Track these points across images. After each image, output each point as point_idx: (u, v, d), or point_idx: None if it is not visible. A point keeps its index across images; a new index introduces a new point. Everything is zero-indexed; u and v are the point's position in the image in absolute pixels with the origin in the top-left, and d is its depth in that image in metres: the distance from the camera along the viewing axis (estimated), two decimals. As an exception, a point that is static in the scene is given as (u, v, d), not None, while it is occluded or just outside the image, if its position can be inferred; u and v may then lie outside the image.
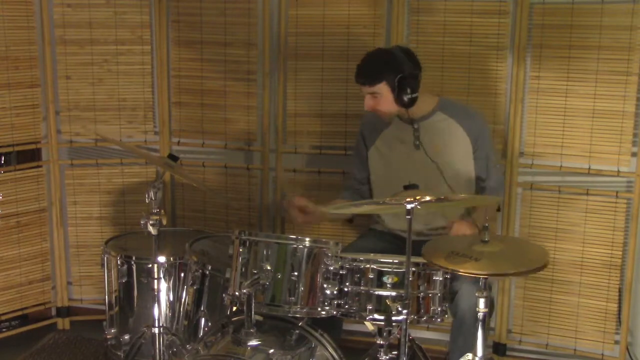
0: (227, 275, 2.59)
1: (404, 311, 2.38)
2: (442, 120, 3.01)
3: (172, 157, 2.92)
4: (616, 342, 3.31)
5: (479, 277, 2.37)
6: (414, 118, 2.99)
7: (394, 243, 3.09)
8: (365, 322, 2.58)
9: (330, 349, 2.60)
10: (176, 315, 3.06)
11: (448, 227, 2.87)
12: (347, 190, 3.23)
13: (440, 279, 2.57)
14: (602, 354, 3.33)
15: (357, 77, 2.94)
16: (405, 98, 2.88)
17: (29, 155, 3.70)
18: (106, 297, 3.28)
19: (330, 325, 2.71)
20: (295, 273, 2.49)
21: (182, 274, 3.05)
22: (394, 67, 2.87)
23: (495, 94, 3.33)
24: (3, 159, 3.66)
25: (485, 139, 3.05)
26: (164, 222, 2.79)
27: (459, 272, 2.31)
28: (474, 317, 2.60)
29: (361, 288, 2.52)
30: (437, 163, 2.95)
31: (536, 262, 2.42)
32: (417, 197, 2.36)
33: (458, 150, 3.02)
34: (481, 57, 3.32)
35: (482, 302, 2.37)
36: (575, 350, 3.38)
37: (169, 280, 3.08)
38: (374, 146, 3.14)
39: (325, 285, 2.51)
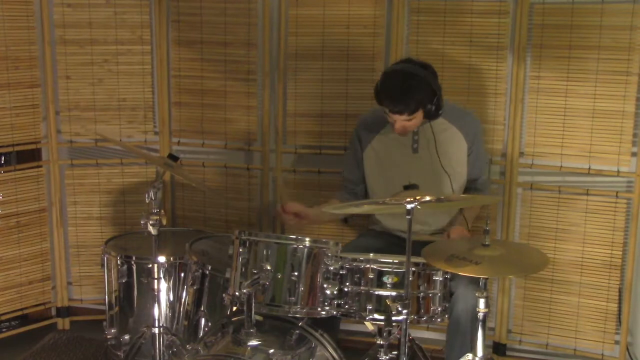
0: (227, 275, 2.59)
1: (404, 311, 2.38)
2: (441, 125, 3.01)
3: (172, 157, 2.92)
4: (616, 342, 3.31)
5: (477, 279, 2.38)
6: None
7: (392, 242, 3.09)
8: (365, 322, 2.57)
9: (330, 349, 2.60)
10: (176, 315, 3.06)
11: (445, 237, 2.91)
12: (341, 190, 3.21)
13: (440, 279, 2.57)
14: (602, 354, 3.33)
15: (393, 107, 2.80)
16: (435, 114, 2.88)
17: (29, 155, 3.70)
18: (106, 297, 3.27)
19: (328, 326, 2.71)
20: (295, 273, 2.49)
21: (182, 274, 3.05)
22: (430, 92, 2.82)
23: (495, 94, 3.33)
24: (3, 159, 3.66)
25: (479, 140, 3.08)
26: (164, 222, 2.79)
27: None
28: (470, 319, 2.61)
29: (361, 288, 2.52)
30: (436, 167, 2.95)
31: (536, 267, 2.42)
32: (417, 197, 2.36)
33: (457, 154, 3.03)
34: (481, 57, 3.32)
35: (482, 302, 2.37)
36: (575, 350, 3.38)
37: (169, 280, 3.08)
38: (370, 146, 3.12)
39: (325, 285, 2.51)
